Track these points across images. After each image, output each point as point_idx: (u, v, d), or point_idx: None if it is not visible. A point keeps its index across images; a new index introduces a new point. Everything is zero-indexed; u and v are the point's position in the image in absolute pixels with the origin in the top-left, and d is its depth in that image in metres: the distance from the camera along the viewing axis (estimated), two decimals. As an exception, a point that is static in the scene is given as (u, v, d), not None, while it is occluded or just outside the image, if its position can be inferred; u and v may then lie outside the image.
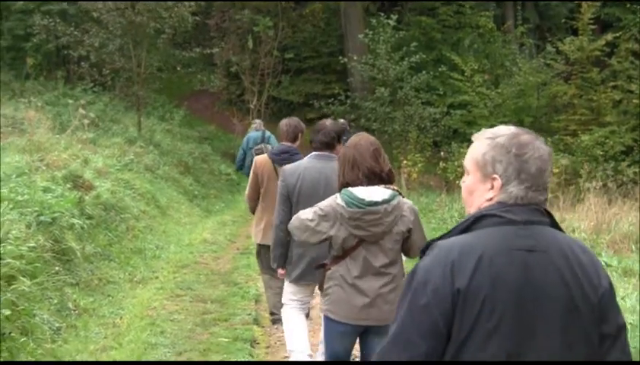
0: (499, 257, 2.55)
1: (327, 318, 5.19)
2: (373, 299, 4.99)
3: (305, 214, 5.07)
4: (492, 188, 2.66)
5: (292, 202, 6.09)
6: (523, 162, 2.63)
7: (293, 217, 5.23)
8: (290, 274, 6.35)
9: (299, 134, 7.86)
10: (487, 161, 2.67)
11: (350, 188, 4.93)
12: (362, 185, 4.94)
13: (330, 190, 5.52)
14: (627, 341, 2.66)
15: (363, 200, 4.85)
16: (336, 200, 4.96)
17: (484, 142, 2.70)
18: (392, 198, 4.94)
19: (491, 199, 2.67)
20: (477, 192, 2.72)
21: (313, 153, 6.22)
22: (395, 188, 5.04)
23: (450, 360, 2.53)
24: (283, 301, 6.62)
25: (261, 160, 8.09)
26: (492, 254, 2.55)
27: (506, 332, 2.51)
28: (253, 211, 8.29)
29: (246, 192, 8.32)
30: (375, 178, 4.95)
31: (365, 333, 5.17)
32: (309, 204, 5.41)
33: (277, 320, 8.07)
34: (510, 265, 2.54)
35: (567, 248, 2.62)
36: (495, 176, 2.64)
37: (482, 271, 2.53)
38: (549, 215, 2.68)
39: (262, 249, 8.16)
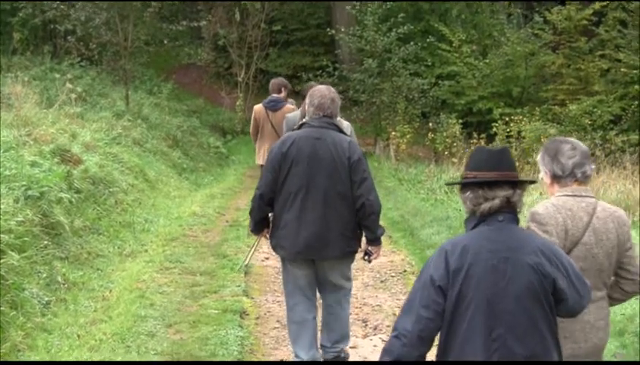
0: (302, 140, 6.07)
1: None
2: None
3: None
4: None
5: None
6: (311, 99, 6.22)
7: None
8: None
9: (283, 88, 11.57)
10: None
11: None
12: None
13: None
14: (369, 186, 6.03)
15: None
16: None
17: None
18: None
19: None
20: None
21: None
22: None
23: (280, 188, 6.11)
24: None
25: (259, 108, 11.57)
26: (299, 139, 6.08)
27: (302, 175, 6.01)
28: (255, 142, 11.67)
29: (250, 129, 11.90)
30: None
31: None
32: None
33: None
34: (306, 144, 6.04)
35: (337, 139, 6.05)
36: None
37: (293, 146, 6.05)
38: (337, 126, 6.21)
39: (261, 167, 10.54)
